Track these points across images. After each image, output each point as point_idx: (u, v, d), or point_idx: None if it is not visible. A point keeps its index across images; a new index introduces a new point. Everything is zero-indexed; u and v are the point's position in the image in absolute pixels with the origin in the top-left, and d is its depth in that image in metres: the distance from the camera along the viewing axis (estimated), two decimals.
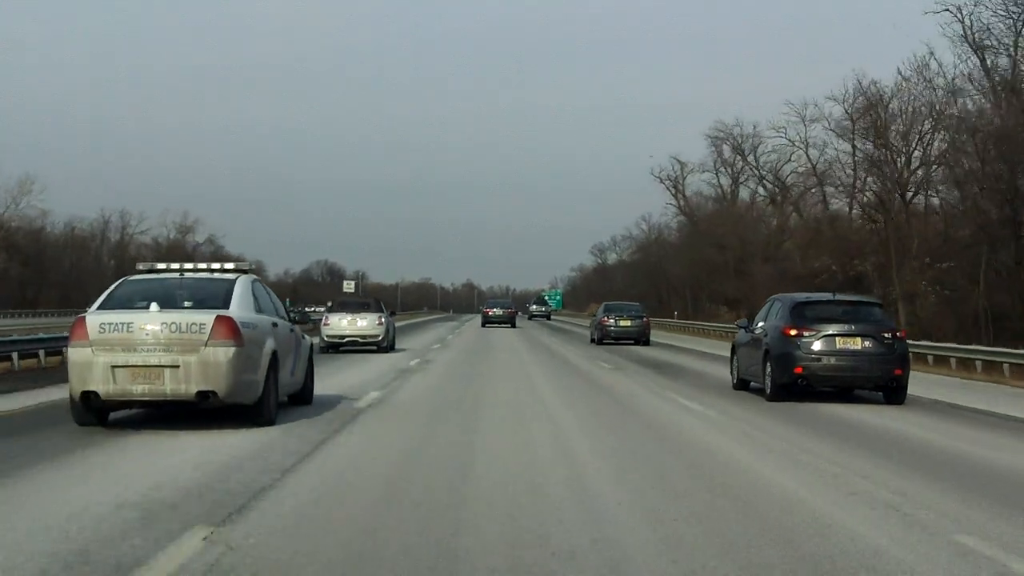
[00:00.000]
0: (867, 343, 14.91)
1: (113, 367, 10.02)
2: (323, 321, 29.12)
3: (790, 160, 63.09)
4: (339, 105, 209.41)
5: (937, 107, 41.59)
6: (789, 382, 14.92)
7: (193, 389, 10.15)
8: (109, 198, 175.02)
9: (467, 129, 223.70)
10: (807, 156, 59.53)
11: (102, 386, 10.04)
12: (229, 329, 10.33)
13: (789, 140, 60.71)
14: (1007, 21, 38.00)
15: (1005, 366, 21.93)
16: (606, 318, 37.16)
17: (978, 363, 23.28)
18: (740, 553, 5.62)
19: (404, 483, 7.75)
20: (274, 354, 11.22)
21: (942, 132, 40.98)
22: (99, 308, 10.65)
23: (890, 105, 44.70)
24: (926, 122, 42.46)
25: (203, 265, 12.39)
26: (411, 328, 51.59)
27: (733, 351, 17.75)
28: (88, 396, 10.14)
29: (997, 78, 39.13)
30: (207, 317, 10.35)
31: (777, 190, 66.22)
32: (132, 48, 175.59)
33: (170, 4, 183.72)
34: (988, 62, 39.44)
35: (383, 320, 28.51)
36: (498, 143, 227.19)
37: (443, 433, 10.83)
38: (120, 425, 10.69)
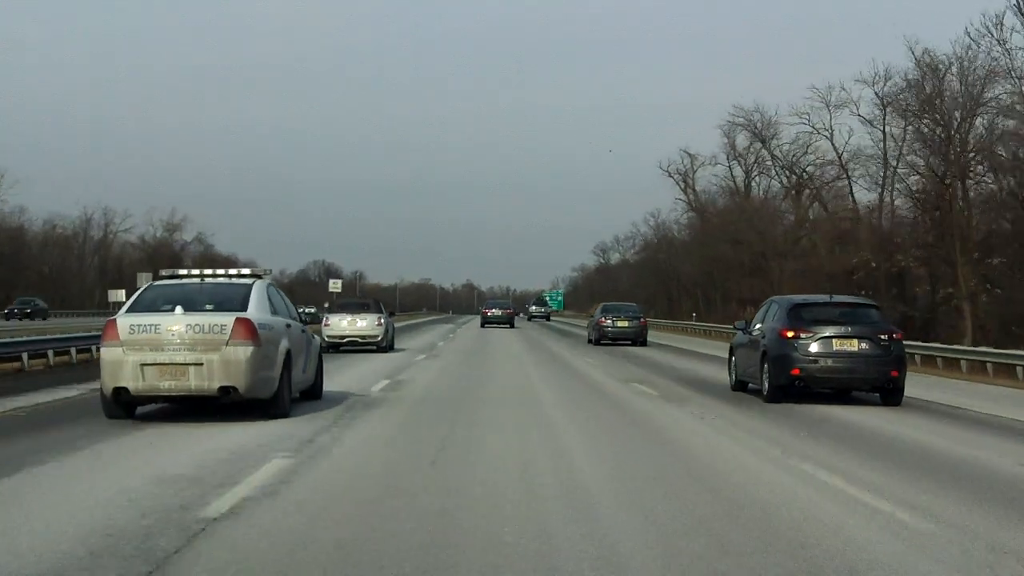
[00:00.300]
0: (864, 345, 15.84)
1: (142, 365, 11.59)
2: (323, 322, 30.84)
3: (807, 152, 61.50)
4: (339, 105, 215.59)
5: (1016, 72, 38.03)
6: (786, 383, 15.85)
7: (216, 385, 11.69)
8: (109, 199, 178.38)
9: (467, 129, 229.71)
10: (832, 144, 57.90)
11: (132, 382, 11.61)
12: (248, 330, 11.87)
13: (812, 127, 58.74)
14: None
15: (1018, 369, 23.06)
16: (603, 319, 38.85)
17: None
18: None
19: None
20: (288, 353, 12.78)
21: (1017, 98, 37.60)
22: (128, 311, 12.23)
23: (945, 76, 42.32)
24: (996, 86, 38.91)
25: (221, 271, 14.00)
26: (407, 329, 53.24)
27: (731, 353, 18.92)
28: (119, 392, 11.70)
29: None
30: (227, 319, 11.89)
31: (801, 179, 63.90)
32: (132, 48, 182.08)
33: (170, 4, 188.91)
34: None
35: (382, 321, 30.29)
36: (498, 143, 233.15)
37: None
38: (148, 419, 12.24)
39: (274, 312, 13.02)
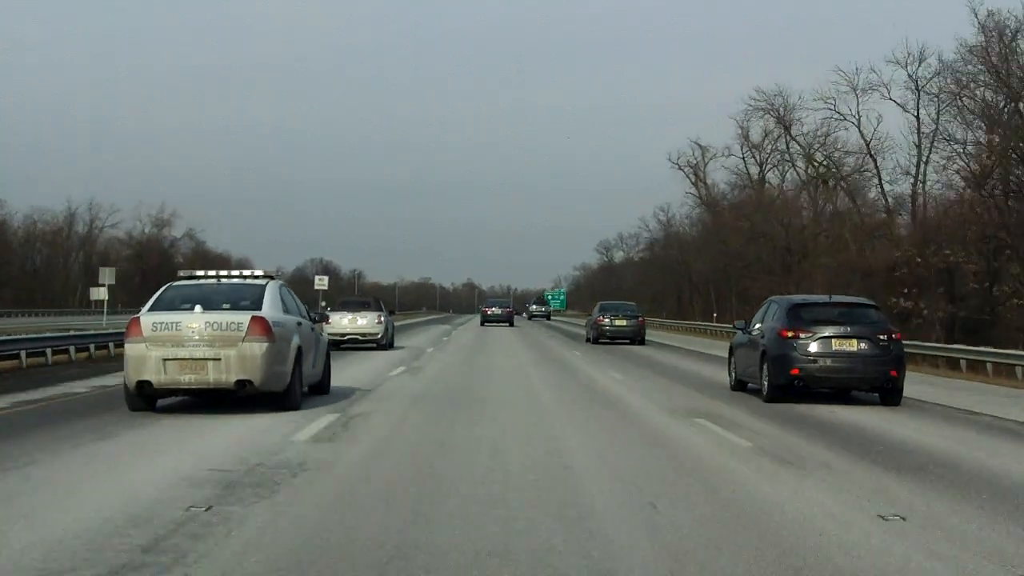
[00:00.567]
0: (863, 345, 16.60)
1: (164, 360, 13.02)
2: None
3: (826, 140, 59.93)
4: (339, 105, 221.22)
5: None
6: (786, 383, 16.62)
7: (233, 378, 13.12)
8: (110, 198, 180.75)
9: (467, 129, 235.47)
10: (859, 131, 56.27)
11: (154, 376, 13.04)
12: (262, 327, 13.29)
13: (839, 113, 57.16)
14: None
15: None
16: (601, 317, 40.47)
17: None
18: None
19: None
20: (299, 349, 14.23)
21: None
22: (150, 310, 13.68)
23: (1013, 41, 40.05)
24: None
25: (236, 272, 15.44)
26: (404, 328, 54.58)
27: (731, 352, 19.92)
28: (142, 385, 13.13)
29: None
30: (244, 317, 13.32)
31: (827, 168, 61.32)
32: (132, 48, 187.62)
33: (170, 4, 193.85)
34: None
35: (382, 319, 32.10)
36: (498, 143, 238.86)
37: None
38: (169, 411, 13.64)
39: (286, 311, 14.43)
